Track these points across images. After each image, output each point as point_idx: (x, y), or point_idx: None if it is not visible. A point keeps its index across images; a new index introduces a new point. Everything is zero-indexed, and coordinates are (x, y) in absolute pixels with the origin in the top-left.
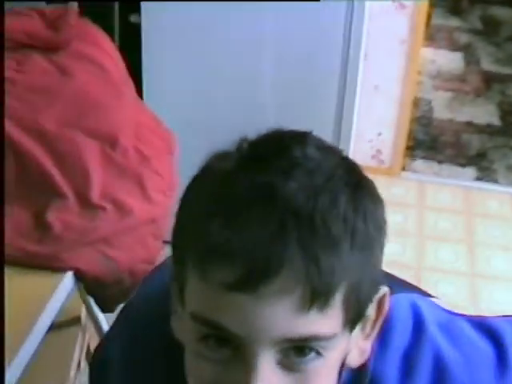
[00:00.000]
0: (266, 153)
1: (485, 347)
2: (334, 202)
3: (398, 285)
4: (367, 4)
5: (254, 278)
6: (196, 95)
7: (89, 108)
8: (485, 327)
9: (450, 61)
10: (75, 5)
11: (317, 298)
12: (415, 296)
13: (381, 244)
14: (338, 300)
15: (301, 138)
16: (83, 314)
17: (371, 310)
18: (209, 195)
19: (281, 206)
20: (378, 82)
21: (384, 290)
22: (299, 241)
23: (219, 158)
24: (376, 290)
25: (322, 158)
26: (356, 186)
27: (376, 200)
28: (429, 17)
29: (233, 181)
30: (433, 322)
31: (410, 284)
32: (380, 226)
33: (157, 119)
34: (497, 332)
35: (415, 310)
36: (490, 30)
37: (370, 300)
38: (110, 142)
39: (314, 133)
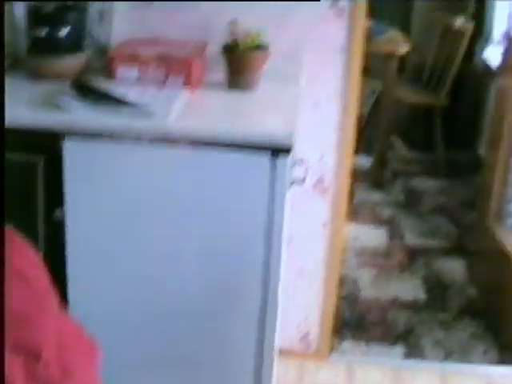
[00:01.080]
0: None
1: None
2: None
3: None
4: (287, 195)
5: None
6: (123, 299)
7: (11, 322)
8: None
9: (373, 236)
10: None
11: None
12: None
13: None
14: None
15: None
16: None
17: None
18: None
19: None
20: (302, 265)
21: None
22: None
23: None
24: None
25: None
26: None
27: None
28: (351, 194)
29: None
30: None
31: None
32: None
33: (80, 328)
34: None
35: None
36: (412, 201)
37: None
38: (33, 355)
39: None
